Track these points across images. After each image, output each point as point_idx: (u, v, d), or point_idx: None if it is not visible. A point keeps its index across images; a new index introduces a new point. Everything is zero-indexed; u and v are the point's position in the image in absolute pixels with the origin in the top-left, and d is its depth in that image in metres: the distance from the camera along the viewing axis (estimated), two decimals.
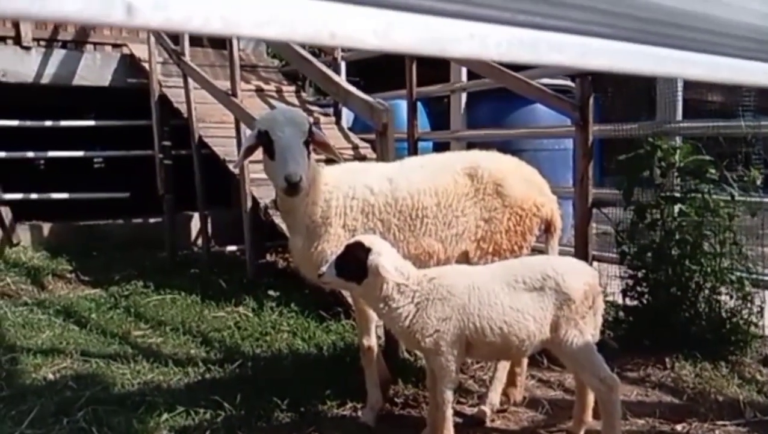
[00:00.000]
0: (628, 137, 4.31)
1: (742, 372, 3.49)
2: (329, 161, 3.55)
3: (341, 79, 4.71)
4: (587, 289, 2.63)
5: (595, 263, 4.21)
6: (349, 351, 3.89)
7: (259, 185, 5.58)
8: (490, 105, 6.33)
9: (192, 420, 3.16)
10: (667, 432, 3.02)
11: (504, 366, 3.23)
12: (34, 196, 7.07)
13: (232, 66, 5.86)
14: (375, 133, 3.78)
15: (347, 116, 7.59)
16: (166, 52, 6.93)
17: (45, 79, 7.26)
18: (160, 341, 4.43)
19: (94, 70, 7.51)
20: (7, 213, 6.65)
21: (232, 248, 6.76)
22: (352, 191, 3.07)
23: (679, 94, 4.34)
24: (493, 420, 3.17)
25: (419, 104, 6.11)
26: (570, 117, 4.65)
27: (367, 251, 2.61)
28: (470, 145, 5.59)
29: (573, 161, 4.58)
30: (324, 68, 4.46)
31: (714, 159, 3.76)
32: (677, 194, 3.87)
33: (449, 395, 2.71)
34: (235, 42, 5.95)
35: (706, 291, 3.72)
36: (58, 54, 7.36)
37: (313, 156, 3.06)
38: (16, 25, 7.21)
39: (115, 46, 7.79)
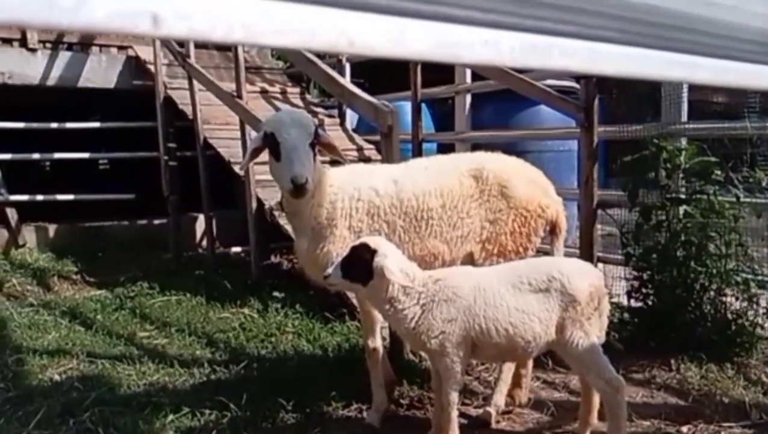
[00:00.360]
0: (633, 139, 4.31)
1: (748, 374, 3.49)
2: (334, 163, 3.55)
3: (346, 81, 4.70)
4: (592, 290, 2.63)
5: (600, 265, 4.21)
6: (354, 352, 3.90)
7: (264, 187, 5.58)
8: (494, 106, 6.33)
9: (197, 421, 3.17)
10: (672, 433, 3.02)
11: (509, 368, 3.23)
12: (39, 197, 7.09)
13: (237, 68, 5.88)
14: (380, 134, 3.78)
15: (351, 118, 7.59)
16: (171, 54, 6.95)
17: (51, 81, 7.29)
18: (165, 342, 4.45)
19: (100, 72, 7.53)
20: (13, 214, 6.67)
21: (236, 249, 6.78)
22: (358, 192, 3.08)
23: (685, 95, 4.34)
24: (498, 422, 3.18)
25: (424, 106, 6.11)
26: (575, 118, 4.65)
27: (373, 252, 2.62)
28: (475, 146, 5.56)
29: (578, 163, 4.59)
30: (329, 70, 4.46)
31: (719, 160, 3.76)
32: (682, 196, 3.87)
33: (454, 396, 2.71)
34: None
35: (712, 293, 3.72)
36: (64, 56, 7.38)
37: (318, 158, 3.07)
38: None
39: (120, 48, 7.81)
